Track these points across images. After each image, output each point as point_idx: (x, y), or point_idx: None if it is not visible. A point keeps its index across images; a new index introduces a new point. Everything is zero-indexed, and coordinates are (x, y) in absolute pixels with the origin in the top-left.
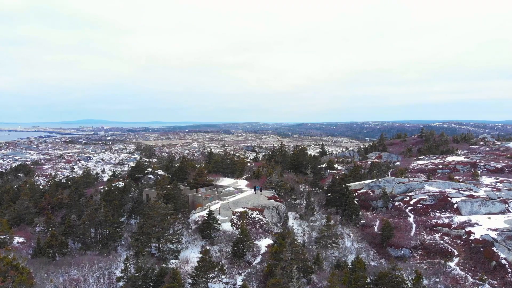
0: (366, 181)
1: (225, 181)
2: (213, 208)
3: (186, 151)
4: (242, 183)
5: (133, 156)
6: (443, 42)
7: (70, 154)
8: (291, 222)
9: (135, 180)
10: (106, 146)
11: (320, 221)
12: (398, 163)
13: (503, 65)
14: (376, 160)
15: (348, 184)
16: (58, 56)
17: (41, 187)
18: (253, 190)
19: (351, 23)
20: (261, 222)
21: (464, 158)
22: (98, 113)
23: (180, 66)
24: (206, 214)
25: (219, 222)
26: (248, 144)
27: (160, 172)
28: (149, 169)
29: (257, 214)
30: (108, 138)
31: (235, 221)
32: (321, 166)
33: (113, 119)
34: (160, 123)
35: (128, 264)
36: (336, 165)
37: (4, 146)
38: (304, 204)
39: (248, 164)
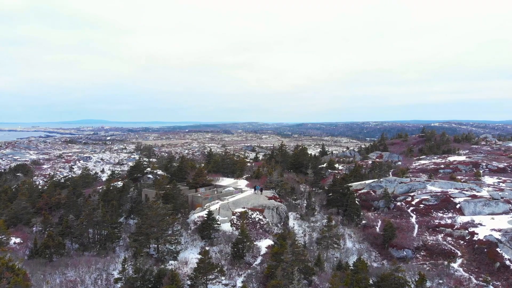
0: (368, 181)
1: (225, 181)
2: (212, 208)
3: (186, 151)
4: (242, 183)
5: (132, 156)
6: (443, 42)
7: (70, 154)
8: (291, 222)
9: (134, 180)
10: (106, 146)
11: (321, 221)
12: (400, 163)
13: (503, 65)
14: (377, 160)
15: (349, 184)
16: (58, 56)
17: (39, 187)
18: (253, 190)
19: (351, 23)
20: (261, 223)
21: (466, 157)
22: (98, 113)
23: (180, 66)
24: (206, 214)
25: (218, 222)
26: (248, 144)
27: (159, 172)
28: (148, 169)
29: (257, 214)
30: (108, 138)
31: (235, 222)
32: (322, 166)
33: (113, 119)
34: (160, 123)
35: (126, 265)
36: (337, 165)
37: (3, 146)
38: (305, 204)
39: (248, 164)
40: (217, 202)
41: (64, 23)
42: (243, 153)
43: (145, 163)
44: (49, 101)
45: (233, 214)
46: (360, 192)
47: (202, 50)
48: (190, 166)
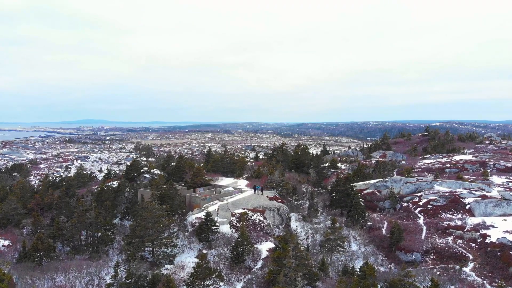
0: (372, 181)
1: (224, 181)
2: (211, 209)
3: (186, 151)
4: (242, 182)
5: (131, 156)
6: (443, 42)
7: (67, 153)
8: (293, 224)
9: (130, 179)
10: (105, 145)
11: (324, 223)
12: (404, 162)
13: (503, 65)
14: (381, 159)
15: (353, 184)
16: (58, 56)
17: (35, 186)
18: (253, 190)
19: (351, 23)
20: (262, 224)
21: (472, 157)
22: (99, 113)
23: (180, 66)
24: (204, 215)
25: (217, 224)
26: (249, 144)
27: (157, 172)
28: (145, 168)
29: (258, 215)
30: (108, 138)
31: (234, 223)
32: (324, 165)
33: (113, 119)
34: (160, 123)
35: (119, 270)
36: (339, 164)
37: (0, 145)
38: (307, 205)
39: (248, 164)
40: (216, 203)
41: (64, 23)
42: (243, 152)
43: (143, 162)
44: (49, 101)
45: (233, 215)
46: (364, 192)
47: (202, 50)
48: (188, 166)
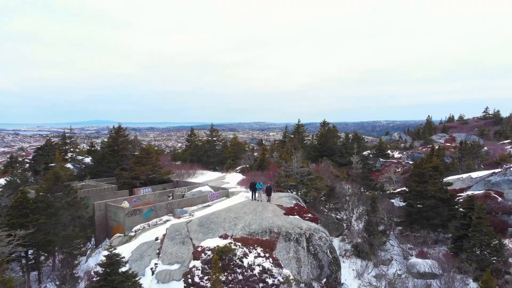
0: (475, 174)
1: (205, 176)
2: (146, 237)
3: (179, 144)
4: (232, 178)
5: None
6: (445, 42)
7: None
8: (344, 274)
9: (37, 172)
10: (87, 139)
11: (403, 263)
12: (486, 148)
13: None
14: (448, 144)
15: (446, 180)
16: (63, 55)
17: None
18: (249, 191)
19: (355, 22)
20: (270, 283)
21: None
22: (107, 114)
23: (188, 64)
24: (105, 260)
25: (142, 285)
26: (254, 137)
27: (88, 160)
28: (70, 155)
29: (260, 255)
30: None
31: (196, 280)
32: (367, 152)
33: (121, 120)
34: (167, 123)
35: None
36: (389, 152)
37: None
38: (356, 221)
39: (249, 153)
40: (166, 221)
41: (65, 22)
42: (246, 146)
43: (68, 145)
44: (55, 102)
45: (196, 254)
46: (461, 195)
47: (202, 50)
48: (143, 150)
